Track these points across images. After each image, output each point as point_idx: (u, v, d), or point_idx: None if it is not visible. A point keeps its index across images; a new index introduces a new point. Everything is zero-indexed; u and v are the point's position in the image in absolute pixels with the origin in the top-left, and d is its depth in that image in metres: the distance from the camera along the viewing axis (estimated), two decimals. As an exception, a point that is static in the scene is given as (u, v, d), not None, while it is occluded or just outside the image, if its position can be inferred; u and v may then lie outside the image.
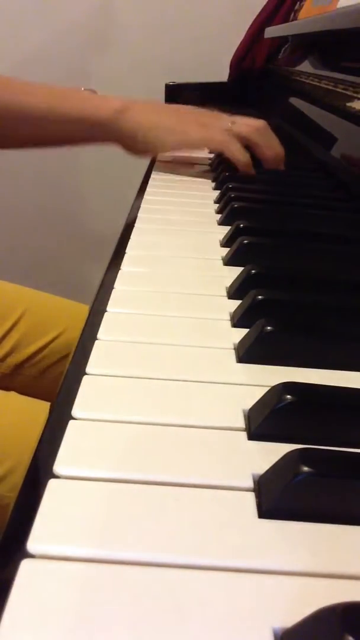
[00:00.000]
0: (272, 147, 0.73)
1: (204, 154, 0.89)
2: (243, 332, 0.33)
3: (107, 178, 1.69)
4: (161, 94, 1.34)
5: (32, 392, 0.71)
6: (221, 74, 1.39)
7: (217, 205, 0.60)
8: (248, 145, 0.71)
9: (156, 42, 1.61)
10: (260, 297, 0.35)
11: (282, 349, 0.31)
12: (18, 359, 0.75)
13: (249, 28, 1.31)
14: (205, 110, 0.74)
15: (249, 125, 0.72)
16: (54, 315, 0.79)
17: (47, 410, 0.57)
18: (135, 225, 0.52)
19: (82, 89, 0.87)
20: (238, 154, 0.69)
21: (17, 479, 0.51)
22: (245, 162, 0.69)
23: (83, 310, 0.82)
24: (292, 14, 1.17)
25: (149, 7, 1.59)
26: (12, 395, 0.64)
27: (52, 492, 0.21)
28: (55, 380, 0.76)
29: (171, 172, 0.75)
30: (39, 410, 0.60)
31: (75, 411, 0.26)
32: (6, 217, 1.78)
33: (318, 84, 0.83)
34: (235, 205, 0.54)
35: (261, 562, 0.19)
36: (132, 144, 0.69)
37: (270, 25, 1.23)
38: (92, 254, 1.65)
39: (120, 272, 0.41)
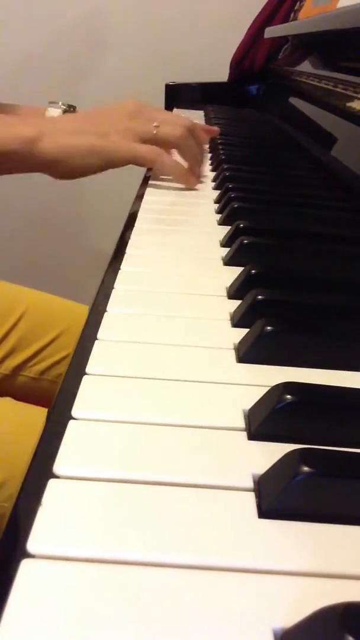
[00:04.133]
0: (193, 156, 0.68)
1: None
2: (243, 332, 0.33)
3: (108, 178, 1.69)
4: (161, 94, 1.34)
5: (31, 394, 0.71)
6: (221, 74, 1.39)
7: (217, 205, 0.60)
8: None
9: (156, 42, 1.61)
10: (260, 297, 0.35)
11: (282, 349, 0.31)
12: (18, 359, 0.75)
13: (249, 28, 1.30)
14: (126, 107, 0.66)
15: (175, 126, 0.66)
16: (54, 315, 0.79)
17: (43, 417, 0.56)
18: (135, 225, 0.52)
19: (60, 103, 0.84)
20: (170, 168, 0.64)
21: (13, 488, 0.51)
22: (181, 172, 0.65)
23: (83, 310, 0.83)
24: (292, 14, 1.17)
25: (149, 7, 1.59)
26: (7, 401, 0.64)
27: (52, 492, 0.21)
28: (55, 382, 0.76)
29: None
30: (35, 417, 0.60)
31: (75, 411, 0.26)
32: (6, 217, 1.78)
33: (318, 84, 0.83)
34: (235, 205, 0.54)
35: (261, 562, 0.19)
36: (57, 171, 0.61)
37: (270, 25, 1.23)
38: (91, 254, 1.66)
39: (120, 272, 0.41)
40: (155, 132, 0.64)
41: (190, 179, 0.66)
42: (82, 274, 1.65)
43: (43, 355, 0.76)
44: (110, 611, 0.17)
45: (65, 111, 0.81)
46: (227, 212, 0.54)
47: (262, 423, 0.25)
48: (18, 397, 0.65)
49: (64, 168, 0.60)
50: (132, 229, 0.51)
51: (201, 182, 0.71)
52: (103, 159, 0.61)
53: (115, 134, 0.62)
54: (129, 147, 0.62)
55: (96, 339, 0.32)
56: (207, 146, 0.99)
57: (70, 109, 0.82)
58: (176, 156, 0.69)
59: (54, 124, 0.64)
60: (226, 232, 0.50)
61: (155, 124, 0.65)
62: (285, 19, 1.22)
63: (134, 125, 0.64)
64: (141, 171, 0.75)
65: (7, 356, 0.74)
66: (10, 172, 0.63)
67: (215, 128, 0.94)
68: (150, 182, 0.68)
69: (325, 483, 0.21)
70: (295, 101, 0.96)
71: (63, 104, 0.82)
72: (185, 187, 0.67)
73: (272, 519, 0.21)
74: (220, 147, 0.84)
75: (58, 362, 0.76)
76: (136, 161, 0.62)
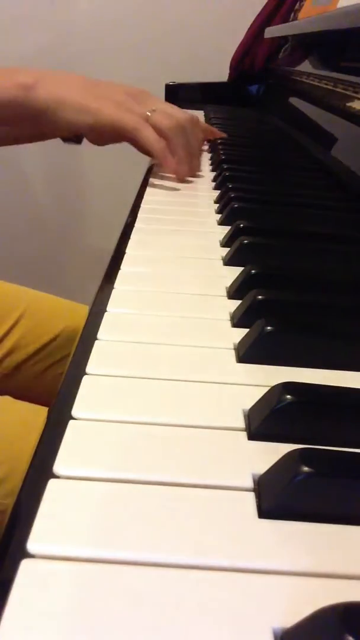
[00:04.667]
0: (183, 148, 0.66)
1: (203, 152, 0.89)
2: (243, 332, 0.33)
3: (108, 178, 1.69)
4: (161, 94, 1.34)
5: (31, 394, 0.71)
6: (221, 74, 1.39)
7: (217, 205, 0.60)
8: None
9: (156, 42, 1.61)
10: (260, 297, 0.35)
11: (282, 349, 0.31)
12: (18, 359, 0.75)
13: (249, 28, 1.31)
14: (129, 88, 0.68)
15: (170, 117, 0.64)
16: (54, 315, 0.79)
17: (43, 415, 0.56)
18: (135, 225, 0.52)
19: None
20: (151, 140, 0.62)
21: (12, 485, 0.51)
22: (160, 148, 0.63)
23: (83, 310, 0.82)
24: (292, 14, 1.17)
25: (149, 7, 1.59)
26: (7, 400, 0.64)
27: (52, 492, 0.21)
28: (55, 381, 0.76)
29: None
30: (34, 415, 0.60)
31: (75, 411, 0.26)
32: (6, 216, 1.78)
33: (318, 84, 0.83)
34: (235, 205, 0.54)
35: (261, 562, 0.19)
36: (48, 121, 0.62)
37: (270, 25, 1.23)
38: (91, 254, 1.66)
39: (120, 272, 0.41)
40: (148, 114, 0.63)
41: (175, 168, 0.65)
42: (82, 274, 1.65)
43: (43, 355, 0.76)
44: (110, 611, 0.17)
45: None
46: (227, 212, 0.54)
47: (262, 423, 0.25)
48: (18, 396, 0.65)
49: (55, 117, 0.61)
50: (132, 229, 0.51)
51: (200, 176, 0.71)
52: (91, 118, 0.60)
53: (109, 102, 0.62)
54: (116, 112, 0.61)
55: (96, 339, 0.32)
56: (206, 147, 0.99)
57: None
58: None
59: (53, 75, 0.63)
60: (226, 232, 0.50)
61: (152, 108, 0.64)
62: (285, 19, 1.22)
63: (130, 104, 0.63)
64: (141, 171, 0.75)
65: (7, 355, 0.74)
66: (8, 123, 0.65)
67: (221, 134, 0.94)
68: (150, 182, 0.68)
69: (325, 483, 0.21)
70: (295, 101, 0.96)
71: None
72: (176, 180, 0.67)
73: (272, 519, 0.21)
74: (220, 147, 0.84)
75: (58, 362, 0.76)
76: (119, 127, 0.61)
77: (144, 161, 0.89)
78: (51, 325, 0.77)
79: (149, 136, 0.62)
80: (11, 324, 0.75)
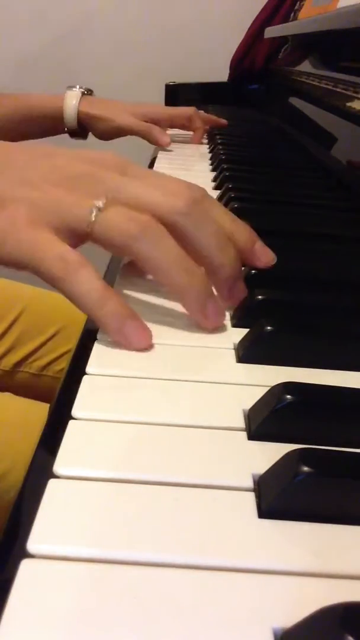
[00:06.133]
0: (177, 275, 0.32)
1: (203, 149, 0.89)
2: (243, 332, 0.33)
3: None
4: (161, 94, 1.34)
5: (31, 391, 0.71)
6: (221, 74, 1.39)
7: (217, 205, 0.60)
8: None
9: (156, 42, 1.61)
10: (260, 297, 0.35)
11: (282, 349, 0.31)
12: (18, 356, 0.75)
13: (249, 28, 1.31)
14: (91, 155, 0.36)
15: (136, 217, 0.31)
16: (54, 311, 0.79)
17: (44, 412, 0.54)
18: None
19: (77, 87, 0.90)
20: (85, 298, 0.31)
21: (13, 481, 0.51)
22: (103, 314, 0.32)
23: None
24: (292, 14, 1.17)
25: (149, 7, 1.59)
26: (8, 396, 0.64)
27: (52, 492, 0.21)
28: (55, 378, 0.76)
29: (169, 163, 0.75)
30: (35, 411, 0.60)
31: (75, 411, 0.26)
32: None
33: (318, 84, 0.83)
34: (235, 205, 0.54)
35: (261, 562, 0.19)
36: None
37: (270, 25, 1.23)
38: (91, 252, 1.65)
39: (120, 272, 0.41)
40: (92, 219, 0.31)
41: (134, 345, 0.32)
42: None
43: (43, 351, 0.76)
44: (110, 611, 0.17)
45: (83, 94, 0.87)
46: (227, 212, 0.54)
47: (262, 423, 0.25)
48: (18, 393, 0.65)
49: None
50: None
51: (201, 182, 0.71)
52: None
53: (20, 204, 0.32)
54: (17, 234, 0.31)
55: (96, 338, 0.32)
56: (205, 141, 0.99)
57: (87, 92, 0.88)
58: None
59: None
60: (226, 232, 0.50)
61: (110, 194, 0.32)
62: (285, 19, 1.22)
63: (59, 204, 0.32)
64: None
65: (7, 352, 0.74)
66: None
67: (222, 121, 0.94)
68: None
69: (325, 483, 0.21)
70: (295, 101, 0.96)
71: (81, 87, 0.88)
72: None
73: (272, 519, 0.21)
74: (220, 147, 0.84)
75: (58, 358, 0.76)
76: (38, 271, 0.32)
77: (147, 156, 0.89)
78: (51, 321, 0.77)
79: (80, 289, 0.31)
80: (11, 320, 0.75)
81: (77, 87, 0.92)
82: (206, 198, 0.34)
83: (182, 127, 0.99)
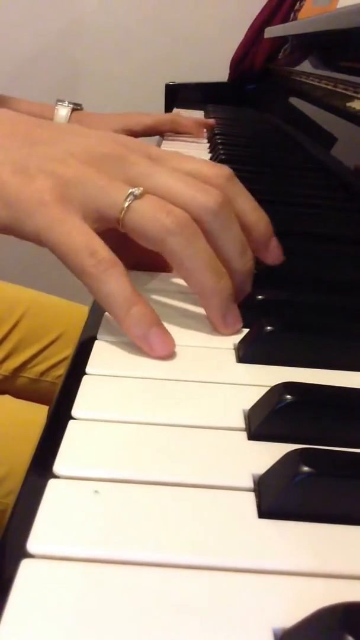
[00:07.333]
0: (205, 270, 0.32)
1: (202, 148, 0.89)
2: (243, 332, 0.33)
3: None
4: (161, 94, 1.34)
5: (31, 395, 0.71)
6: (221, 74, 1.39)
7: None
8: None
9: (156, 42, 1.61)
10: (260, 297, 0.35)
11: (282, 349, 0.31)
12: (18, 360, 0.75)
13: (249, 28, 1.31)
14: (113, 137, 0.35)
15: (171, 211, 0.30)
16: (54, 316, 0.79)
17: (43, 414, 0.55)
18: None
19: (67, 102, 0.91)
20: (116, 306, 0.31)
21: (12, 484, 0.51)
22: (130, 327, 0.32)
23: (83, 310, 0.82)
24: (292, 14, 1.17)
25: (149, 7, 1.59)
26: (6, 399, 0.64)
27: (52, 492, 0.21)
28: (55, 383, 0.76)
29: None
30: (34, 414, 0.60)
31: (75, 411, 0.26)
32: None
33: (318, 84, 0.83)
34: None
35: (261, 562, 0.19)
36: None
37: (270, 25, 1.23)
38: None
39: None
40: (125, 205, 0.30)
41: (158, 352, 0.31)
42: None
43: (43, 357, 0.76)
44: (110, 611, 0.17)
45: (73, 110, 0.88)
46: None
47: (262, 423, 0.25)
48: (18, 398, 0.66)
49: None
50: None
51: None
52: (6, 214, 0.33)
53: (46, 180, 0.30)
54: (51, 221, 0.30)
55: (96, 339, 0.32)
56: (205, 140, 0.99)
57: (77, 107, 0.89)
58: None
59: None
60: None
61: (144, 181, 0.31)
62: (285, 19, 1.22)
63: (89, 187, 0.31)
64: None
65: (7, 357, 0.74)
66: None
67: (210, 121, 0.94)
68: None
69: (325, 483, 0.21)
70: (295, 101, 0.96)
71: (70, 103, 0.89)
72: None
73: (272, 519, 0.21)
74: (220, 147, 0.84)
75: (58, 364, 0.76)
76: (59, 255, 0.31)
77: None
78: (51, 326, 0.77)
79: (108, 289, 0.30)
80: (11, 325, 0.75)
81: (67, 102, 0.93)
82: (231, 181, 0.34)
83: (173, 131, 1.00)
